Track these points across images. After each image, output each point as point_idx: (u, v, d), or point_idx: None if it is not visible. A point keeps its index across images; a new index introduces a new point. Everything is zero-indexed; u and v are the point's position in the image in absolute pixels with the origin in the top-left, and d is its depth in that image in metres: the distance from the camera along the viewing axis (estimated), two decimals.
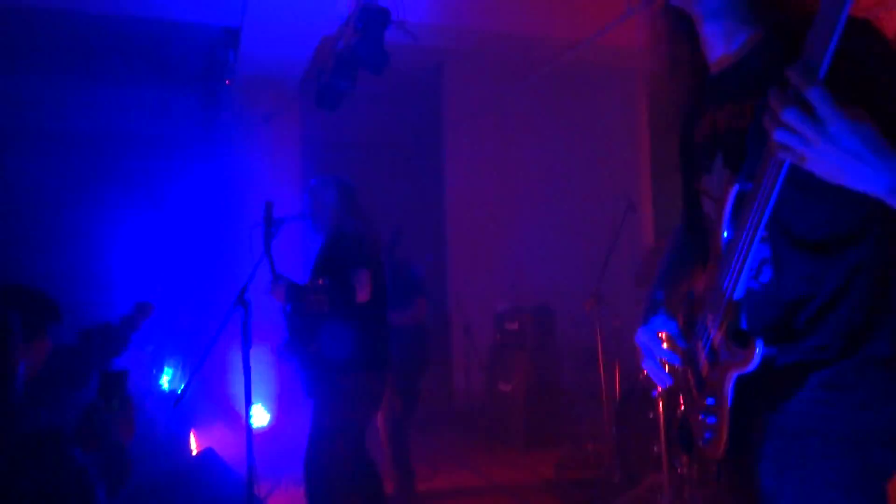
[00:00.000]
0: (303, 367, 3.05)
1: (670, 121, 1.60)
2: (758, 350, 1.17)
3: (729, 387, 1.24)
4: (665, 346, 1.47)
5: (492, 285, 6.90)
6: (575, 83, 7.52)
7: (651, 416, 4.05)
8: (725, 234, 1.26)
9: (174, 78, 6.86)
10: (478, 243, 7.24)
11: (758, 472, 1.29)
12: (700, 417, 1.36)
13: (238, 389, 5.15)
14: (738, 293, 1.22)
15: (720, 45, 1.37)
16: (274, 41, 5.47)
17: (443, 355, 7.04)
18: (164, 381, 5.05)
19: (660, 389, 3.80)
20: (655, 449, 3.93)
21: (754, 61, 1.30)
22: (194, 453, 4.13)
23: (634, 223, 6.33)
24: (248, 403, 2.46)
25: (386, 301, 3.21)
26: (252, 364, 2.52)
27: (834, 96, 0.95)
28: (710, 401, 1.31)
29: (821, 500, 1.21)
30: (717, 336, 1.28)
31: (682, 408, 1.52)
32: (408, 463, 4.32)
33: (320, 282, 2.91)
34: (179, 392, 2.72)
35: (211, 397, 5.85)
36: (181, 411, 4.13)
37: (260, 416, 5.92)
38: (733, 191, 1.23)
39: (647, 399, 4.15)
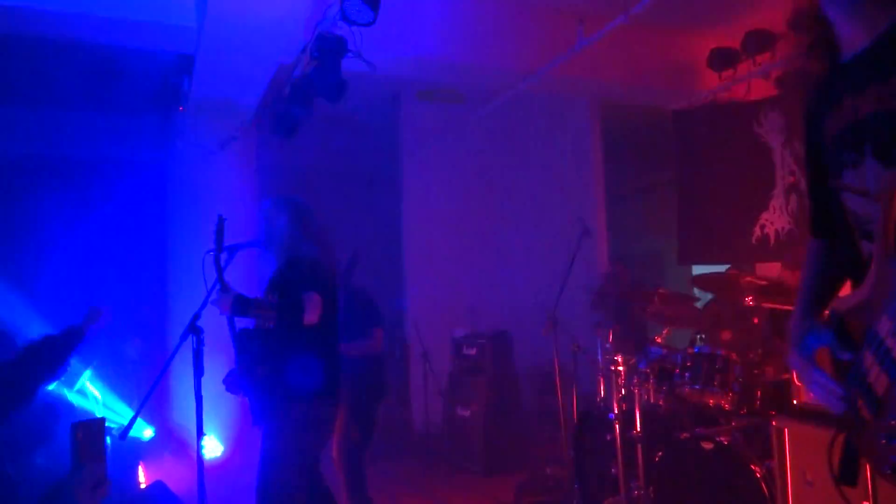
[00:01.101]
0: (251, 394, 2.97)
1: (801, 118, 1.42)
2: None
3: None
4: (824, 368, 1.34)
5: (450, 311, 6.92)
6: (530, 112, 7.68)
7: (608, 437, 4.10)
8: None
9: (128, 104, 6.79)
10: (436, 270, 7.26)
11: None
12: (883, 442, 1.19)
13: (190, 419, 5.03)
14: None
15: (857, 27, 1.26)
16: (230, 68, 5.45)
17: (401, 382, 7.00)
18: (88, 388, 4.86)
19: (616, 412, 3.85)
20: (613, 471, 3.97)
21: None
22: (143, 486, 4.01)
23: (589, 247, 6.45)
24: (200, 434, 2.41)
25: (337, 328, 3.15)
26: (205, 393, 2.48)
27: None
28: (894, 420, 1.15)
29: None
30: (893, 344, 1.14)
31: (844, 436, 1.35)
32: (365, 492, 4.27)
33: (269, 298, 2.82)
34: (126, 424, 2.64)
35: (161, 428, 5.68)
36: (128, 443, 4.00)
37: (213, 448, 5.77)
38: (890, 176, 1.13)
39: (605, 421, 4.20)
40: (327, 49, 4.72)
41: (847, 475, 1.34)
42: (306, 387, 2.91)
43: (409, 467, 6.04)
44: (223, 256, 3.05)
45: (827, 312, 1.38)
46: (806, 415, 2.70)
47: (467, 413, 5.88)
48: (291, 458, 2.87)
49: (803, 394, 2.75)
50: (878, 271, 1.19)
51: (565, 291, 4.84)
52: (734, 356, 3.93)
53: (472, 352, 6.05)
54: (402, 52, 5.69)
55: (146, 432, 5.26)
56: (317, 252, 3.08)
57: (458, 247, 7.38)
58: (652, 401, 4.18)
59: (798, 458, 2.68)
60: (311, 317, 2.86)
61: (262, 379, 2.93)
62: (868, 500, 2.20)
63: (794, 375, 1.45)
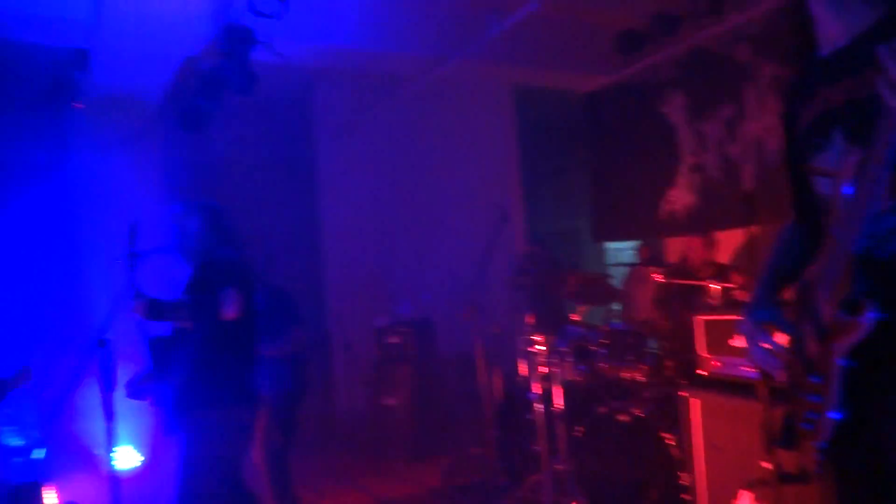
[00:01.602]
0: (167, 402, 2.88)
1: None
2: (868, 314, 1.14)
3: (839, 361, 1.21)
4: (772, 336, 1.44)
5: (371, 301, 6.90)
6: (446, 97, 7.70)
7: (530, 416, 4.22)
8: (843, 192, 1.23)
9: (18, 101, 6.36)
10: (355, 260, 7.22)
11: (887, 454, 1.23)
12: (807, 399, 1.31)
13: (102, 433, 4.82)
14: (857, 248, 1.18)
15: (836, 23, 1.34)
16: (130, 62, 5.22)
17: (324, 374, 6.95)
18: None
19: (537, 391, 3.97)
20: (536, 448, 4.09)
21: (876, 36, 1.25)
22: None
23: (507, 232, 6.56)
24: (111, 449, 2.32)
25: (255, 330, 3.07)
26: (118, 404, 2.39)
27: None
28: (816, 379, 1.28)
29: None
30: (827, 310, 1.26)
31: (789, 402, 1.46)
32: (290, 491, 4.23)
33: (184, 298, 2.73)
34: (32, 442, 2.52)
35: (71, 445, 5.41)
36: (34, 464, 3.81)
37: (129, 459, 5.55)
38: (854, 156, 1.22)
39: (526, 401, 4.32)
40: (235, 41, 4.58)
41: (787, 439, 1.43)
42: (225, 392, 2.84)
43: (334, 459, 6.02)
44: (134, 262, 2.93)
45: (794, 290, 1.47)
46: (712, 384, 2.87)
47: (393, 401, 5.91)
48: (212, 466, 2.80)
49: (709, 364, 2.92)
50: (827, 245, 1.30)
51: (485, 275, 4.93)
52: (646, 330, 4.12)
53: (396, 340, 6.08)
54: (315, 41, 5.58)
55: (40, 452, 4.95)
56: (232, 254, 3.00)
57: (377, 235, 7.35)
58: (571, 378, 4.32)
59: (706, 424, 2.84)
60: (230, 312, 2.79)
61: (178, 386, 2.84)
62: (769, 463, 2.37)
63: (742, 340, 1.50)
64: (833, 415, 1.21)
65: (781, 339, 1.42)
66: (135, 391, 2.86)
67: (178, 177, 6.52)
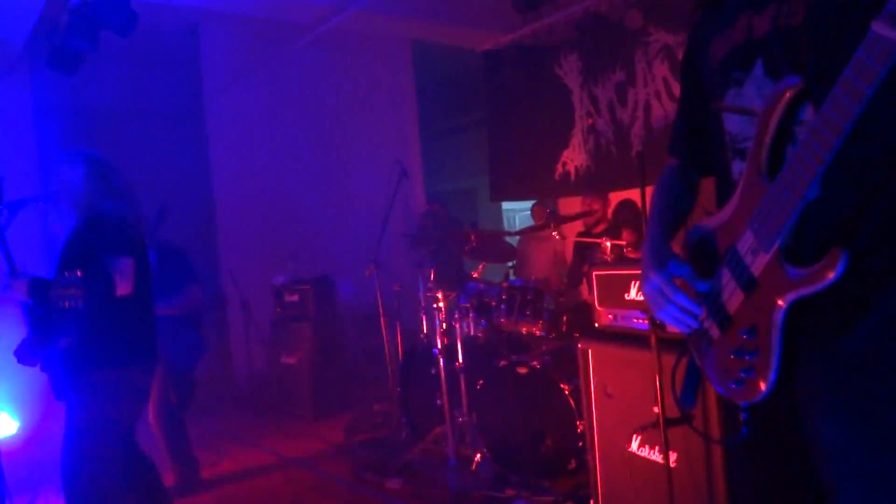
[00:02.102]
0: (53, 367, 2.67)
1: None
2: (841, 262, 1.03)
3: (780, 314, 1.12)
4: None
5: (268, 259, 6.72)
6: (344, 50, 7.48)
7: (433, 371, 4.30)
8: (779, 143, 1.13)
9: None
10: (250, 215, 6.97)
11: (813, 417, 1.14)
12: (731, 357, 1.22)
13: None
14: (812, 194, 1.07)
15: None
16: None
17: (220, 334, 6.74)
18: None
19: (439, 346, 4.03)
20: (438, 402, 4.19)
21: None
22: None
23: (407, 188, 6.53)
24: None
25: (150, 291, 2.90)
26: None
27: None
28: (746, 335, 1.19)
29: None
30: (760, 261, 1.16)
31: (689, 357, 1.41)
32: (188, 451, 4.12)
33: (71, 274, 2.45)
34: None
35: None
36: None
37: (6, 425, 5.20)
38: (789, 94, 1.11)
39: (429, 356, 4.39)
40: None
41: (687, 396, 1.41)
42: (118, 355, 2.68)
43: (234, 420, 5.91)
44: (4, 216, 2.67)
45: (684, 243, 1.39)
46: (605, 336, 3.01)
47: (293, 360, 5.84)
48: (102, 430, 2.62)
49: (602, 317, 3.06)
50: (745, 189, 1.21)
51: (386, 233, 4.91)
52: (543, 286, 4.27)
53: (294, 298, 5.97)
54: None
55: None
56: (121, 209, 2.77)
57: (273, 191, 7.12)
58: (472, 333, 4.42)
59: (600, 374, 2.99)
60: (125, 286, 2.60)
61: (66, 350, 2.65)
62: (657, 406, 2.53)
63: (651, 297, 1.35)
64: (773, 374, 1.14)
65: (691, 294, 1.32)
66: (26, 356, 2.63)
67: (53, 122, 6.00)
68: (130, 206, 2.88)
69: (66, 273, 2.41)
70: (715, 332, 1.29)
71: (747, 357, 1.19)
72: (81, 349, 2.65)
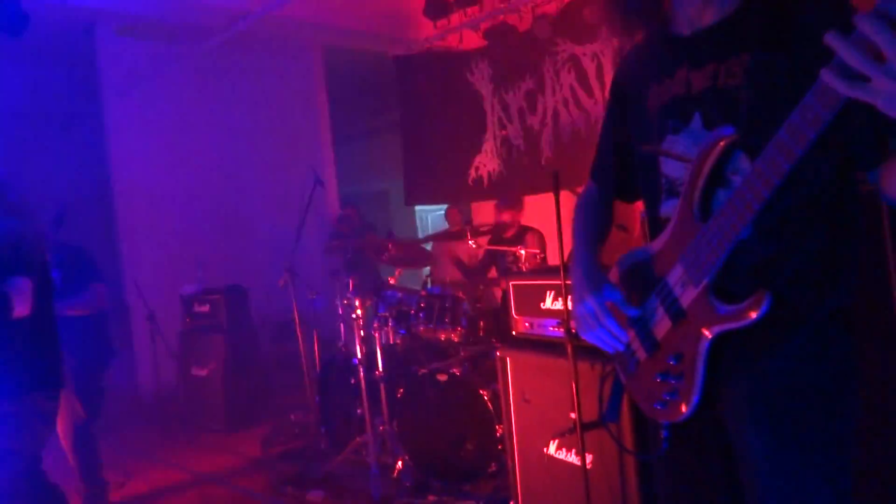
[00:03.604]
0: None
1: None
2: (765, 303, 1.13)
3: (705, 345, 1.21)
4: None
5: (176, 268, 6.47)
6: (256, 54, 7.31)
7: (353, 381, 4.29)
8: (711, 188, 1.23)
9: None
10: (156, 223, 6.69)
11: (739, 428, 1.25)
12: (657, 380, 1.32)
13: None
14: (745, 234, 1.17)
15: (697, 3, 1.30)
16: None
17: (125, 347, 6.44)
18: None
19: (359, 355, 4.03)
20: (359, 411, 4.18)
21: (746, 20, 1.25)
22: None
23: (320, 192, 6.49)
24: None
25: (53, 308, 2.78)
26: None
27: None
28: (672, 360, 1.28)
29: (822, 459, 1.20)
30: (689, 294, 1.25)
31: (614, 374, 1.50)
32: (99, 470, 3.92)
33: None
34: None
35: None
36: None
37: None
38: (723, 144, 1.20)
39: (348, 365, 4.37)
40: None
41: (611, 412, 1.50)
42: (22, 379, 2.54)
43: (141, 436, 5.66)
44: None
45: (615, 270, 1.47)
46: (523, 343, 3.12)
47: (204, 372, 5.66)
48: (3, 463, 2.49)
49: (519, 325, 3.16)
50: (677, 226, 1.30)
51: (301, 240, 4.85)
52: (461, 294, 4.35)
53: (205, 308, 5.80)
54: None
55: None
56: (18, 227, 2.62)
57: (181, 198, 6.86)
58: (391, 342, 4.44)
59: (518, 381, 3.08)
60: (22, 308, 2.47)
61: None
62: (574, 412, 2.65)
63: (582, 319, 1.44)
64: (695, 398, 1.24)
65: (621, 319, 1.41)
66: None
67: None
68: (27, 220, 2.73)
69: None
70: (642, 354, 1.38)
71: (672, 381, 1.28)
72: None
